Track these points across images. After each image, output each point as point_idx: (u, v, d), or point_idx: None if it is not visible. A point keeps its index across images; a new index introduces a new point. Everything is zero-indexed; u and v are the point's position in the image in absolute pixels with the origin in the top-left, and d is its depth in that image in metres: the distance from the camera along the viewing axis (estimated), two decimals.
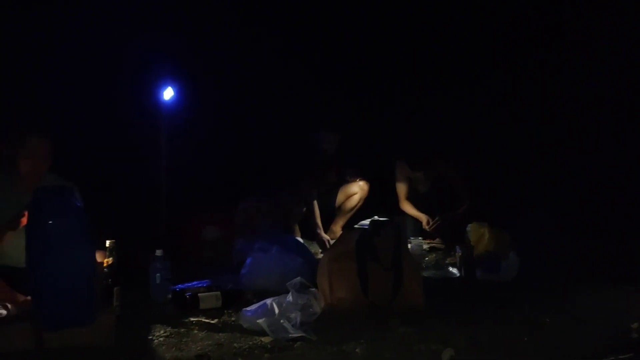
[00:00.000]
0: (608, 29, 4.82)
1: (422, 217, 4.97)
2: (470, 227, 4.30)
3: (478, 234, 4.22)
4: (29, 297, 2.70)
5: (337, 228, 5.21)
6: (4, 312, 2.72)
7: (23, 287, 2.77)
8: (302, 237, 4.86)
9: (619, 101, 4.96)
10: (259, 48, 5.13)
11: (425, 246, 4.63)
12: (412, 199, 5.19)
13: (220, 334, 2.69)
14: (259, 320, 2.66)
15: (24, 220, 2.65)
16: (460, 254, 3.96)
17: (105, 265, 2.87)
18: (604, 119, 4.95)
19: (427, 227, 4.88)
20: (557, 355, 2.34)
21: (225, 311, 3.02)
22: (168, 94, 4.45)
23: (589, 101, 4.99)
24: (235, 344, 2.54)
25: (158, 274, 3.21)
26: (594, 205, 4.69)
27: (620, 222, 4.45)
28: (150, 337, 2.64)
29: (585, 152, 4.99)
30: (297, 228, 5.10)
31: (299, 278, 2.93)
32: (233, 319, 2.91)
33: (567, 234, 4.27)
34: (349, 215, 5.25)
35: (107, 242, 2.90)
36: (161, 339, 2.62)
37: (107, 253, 2.89)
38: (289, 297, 2.80)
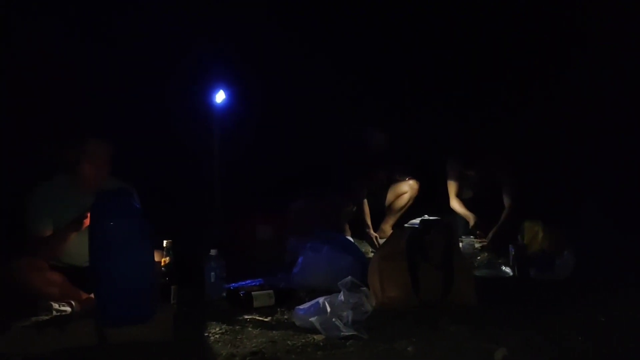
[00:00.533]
0: None
1: (470, 217, 4.92)
2: (524, 226, 4.25)
3: (532, 233, 4.16)
4: (91, 295, 2.83)
5: (387, 227, 5.21)
6: (68, 309, 2.86)
7: (86, 285, 2.89)
8: (352, 236, 4.89)
9: None
10: (308, 49, 5.18)
11: (477, 245, 4.59)
12: (461, 197, 5.15)
13: (273, 332, 2.74)
14: (312, 319, 2.71)
15: (87, 222, 2.76)
16: (513, 252, 3.91)
17: (163, 264, 2.97)
18: None
19: (474, 228, 4.83)
20: (615, 356, 2.30)
21: (278, 309, 3.08)
22: (220, 97, 4.55)
23: None
24: (288, 342, 2.59)
25: (213, 273, 3.28)
26: None
27: None
28: (207, 334, 2.71)
29: None
30: (347, 227, 5.13)
31: (350, 277, 2.96)
32: (286, 317, 2.96)
33: (623, 231, 4.15)
34: (398, 214, 5.25)
35: (165, 242, 3.00)
36: (217, 335, 2.69)
37: (165, 252, 2.99)
38: (341, 296, 2.83)
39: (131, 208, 2.48)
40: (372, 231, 4.95)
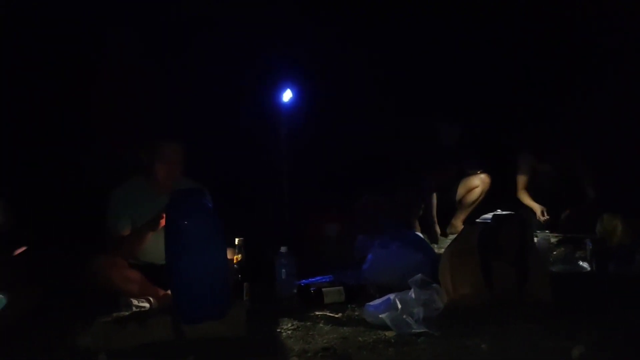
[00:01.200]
0: None
1: (537, 207, 4.80)
2: (602, 219, 4.12)
3: (611, 226, 4.04)
4: (168, 292, 2.93)
5: (458, 222, 5.15)
6: (147, 305, 2.98)
7: (163, 282, 3.00)
8: (422, 233, 4.86)
9: None
10: (374, 44, 5.16)
11: (552, 239, 4.46)
12: (535, 191, 5.02)
13: (344, 328, 2.75)
14: (382, 315, 2.70)
15: (163, 222, 2.87)
16: (591, 247, 3.79)
17: (235, 261, 3.04)
18: None
19: (540, 218, 4.71)
20: None
21: (349, 306, 3.09)
22: (287, 95, 4.61)
23: None
24: (359, 338, 2.60)
25: (283, 270, 3.33)
26: None
27: None
28: (279, 330, 2.75)
29: None
30: (417, 223, 5.09)
31: (420, 275, 2.93)
32: (356, 313, 2.97)
33: None
34: (470, 209, 5.17)
35: (237, 240, 3.07)
36: (289, 331, 2.73)
37: (237, 250, 3.06)
38: (411, 293, 2.81)
39: (204, 207, 2.55)
40: (437, 226, 4.90)
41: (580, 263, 3.85)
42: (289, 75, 4.68)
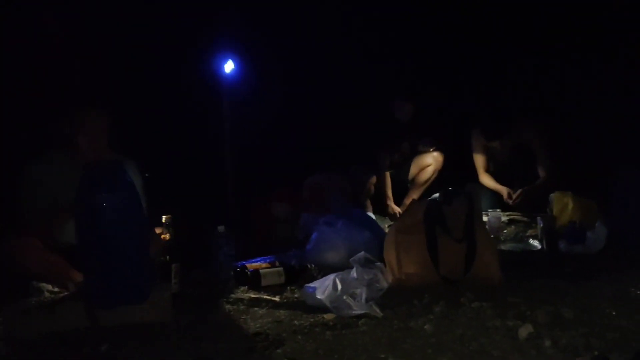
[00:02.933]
0: None
1: (503, 190, 4.68)
2: (552, 197, 4.02)
3: (561, 204, 3.95)
4: None
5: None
6: (62, 290, 2.72)
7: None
8: (373, 212, 4.70)
9: None
10: (326, 13, 4.92)
11: (504, 218, 4.35)
12: (490, 169, 4.91)
13: (281, 311, 2.58)
14: (322, 297, 2.53)
15: None
16: (542, 225, 3.68)
17: (163, 241, 2.80)
18: None
19: (508, 201, 4.59)
20: None
21: (289, 288, 2.92)
22: (229, 66, 4.35)
23: None
24: (295, 321, 2.42)
25: (220, 250, 3.12)
26: None
27: None
28: (209, 315, 2.55)
29: None
30: (369, 203, 4.94)
31: (363, 252, 2.77)
32: (296, 295, 2.80)
33: None
34: (423, 188, 5.03)
35: (164, 218, 2.83)
36: (220, 316, 2.53)
37: (164, 229, 2.82)
38: (353, 273, 2.64)
39: (121, 181, 2.31)
40: (393, 204, 4.76)
41: (531, 241, 3.76)
42: (231, 45, 4.41)
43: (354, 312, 2.43)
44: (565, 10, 4.96)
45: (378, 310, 2.44)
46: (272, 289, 2.90)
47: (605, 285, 2.65)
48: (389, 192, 4.81)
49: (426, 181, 5.01)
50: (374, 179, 5.00)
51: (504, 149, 4.82)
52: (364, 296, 2.52)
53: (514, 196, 4.58)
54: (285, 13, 4.67)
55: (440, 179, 4.99)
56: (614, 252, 3.33)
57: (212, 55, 4.32)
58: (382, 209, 4.80)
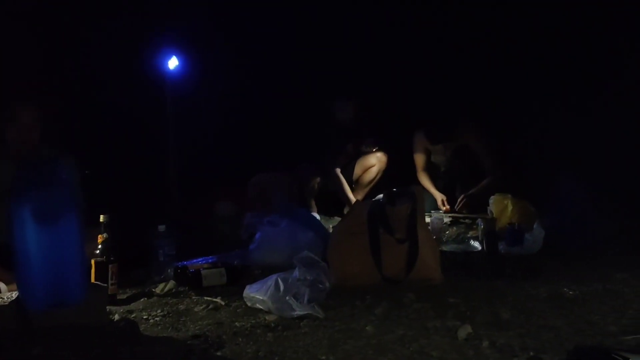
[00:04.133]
0: None
1: (437, 196, 4.74)
2: (493, 199, 4.10)
3: (501, 206, 4.02)
4: None
5: None
6: None
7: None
8: (318, 212, 4.69)
9: None
10: (272, 10, 4.86)
11: (446, 219, 4.41)
12: (431, 171, 4.97)
13: (222, 313, 2.54)
14: (263, 298, 2.50)
15: None
16: (482, 227, 3.74)
17: (99, 241, 2.72)
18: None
19: (444, 208, 4.64)
20: (587, 330, 2.13)
21: (230, 288, 2.86)
22: (173, 63, 4.25)
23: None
24: (236, 323, 2.38)
25: (160, 250, 3.07)
26: (628, 174, 4.38)
27: None
28: (146, 317, 2.49)
29: (619, 119, 4.65)
30: (313, 203, 4.92)
31: (306, 252, 2.74)
32: (238, 296, 2.74)
33: (598, 204, 4.00)
34: (367, 188, 5.04)
35: (101, 217, 2.74)
36: (157, 318, 2.47)
37: (102, 228, 2.73)
38: (296, 273, 2.62)
39: (55, 178, 2.21)
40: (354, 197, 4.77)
41: (472, 242, 3.82)
42: (174, 41, 4.30)
43: (295, 313, 2.41)
44: (505, 13, 5.04)
45: (320, 311, 2.42)
46: (214, 290, 2.84)
47: (541, 286, 2.72)
48: (348, 192, 4.80)
49: (370, 182, 5.02)
50: (318, 179, 4.99)
51: (447, 152, 4.90)
52: (306, 297, 2.50)
53: (458, 202, 4.64)
54: (231, 9, 4.59)
55: (386, 179, 5.01)
56: (551, 253, 3.42)
57: (155, 52, 4.20)
58: (327, 209, 4.78)
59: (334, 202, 4.94)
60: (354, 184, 5.11)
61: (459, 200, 4.65)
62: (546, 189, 4.16)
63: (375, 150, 5.00)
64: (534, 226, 3.63)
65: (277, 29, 4.99)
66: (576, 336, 2.08)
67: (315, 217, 3.89)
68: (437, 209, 4.51)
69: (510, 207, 3.98)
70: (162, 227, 3.10)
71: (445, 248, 3.76)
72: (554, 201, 3.91)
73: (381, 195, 3.51)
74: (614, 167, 4.36)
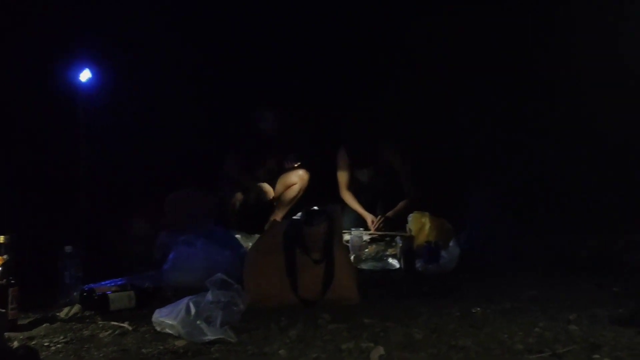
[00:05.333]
0: None
1: (367, 216, 4.77)
2: (411, 217, 4.16)
3: (419, 224, 4.09)
4: None
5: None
6: None
7: None
8: (239, 230, 4.61)
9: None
10: (187, 20, 4.74)
11: (365, 237, 4.43)
12: (354, 188, 5.00)
13: (128, 339, 2.43)
14: (173, 322, 2.41)
15: None
16: (400, 244, 3.79)
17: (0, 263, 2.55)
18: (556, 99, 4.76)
19: (371, 227, 4.68)
20: (495, 349, 2.16)
21: (140, 312, 2.75)
22: (85, 75, 4.08)
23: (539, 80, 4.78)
24: (143, 350, 2.28)
25: (66, 272, 2.93)
26: (542, 194, 4.54)
27: (567, 211, 4.31)
28: (47, 343, 2.35)
29: (534, 138, 4.82)
30: (234, 220, 4.84)
31: (219, 274, 2.66)
32: (146, 321, 2.62)
33: (513, 223, 4.13)
34: (289, 206, 5.00)
35: (1, 237, 2.58)
36: (59, 345, 2.34)
37: (2, 250, 2.57)
38: (209, 296, 2.54)
39: None
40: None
41: (390, 260, 3.85)
42: (87, 53, 4.13)
43: (207, 337, 2.33)
44: (419, 34, 5.13)
45: (233, 335, 2.35)
46: (122, 314, 2.73)
47: (454, 304, 2.75)
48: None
49: (291, 200, 4.99)
50: (240, 195, 4.92)
51: (368, 170, 4.94)
52: (219, 320, 2.42)
53: (376, 223, 4.68)
54: (147, 22, 4.46)
55: (308, 197, 4.98)
56: (465, 271, 3.49)
57: (66, 64, 4.02)
58: (248, 226, 4.69)
59: (255, 219, 4.88)
60: (276, 201, 5.06)
61: (377, 221, 4.69)
62: (462, 207, 4.26)
63: (297, 167, 4.97)
64: (450, 244, 3.71)
65: (198, 36, 4.88)
66: (485, 356, 2.10)
67: (233, 236, 3.81)
68: (357, 227, 4.53)
69: (427, 225, 4.05)
70: (68, 248, 2.96)
71: (364, 266, 3.79)
72: (469, 219, 4.00)
73: (299, 215, 3.50)
74: (528, 186, 4.53)
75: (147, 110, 4.63)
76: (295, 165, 4.95)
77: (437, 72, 5.04)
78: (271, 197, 4.96)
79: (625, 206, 3.99)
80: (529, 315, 2.53)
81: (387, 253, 4.08)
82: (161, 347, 2.29)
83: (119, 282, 3.04)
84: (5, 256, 2.56)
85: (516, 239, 3.94)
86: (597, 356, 2.03)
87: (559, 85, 4.51)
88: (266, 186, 4.92)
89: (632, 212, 3.89)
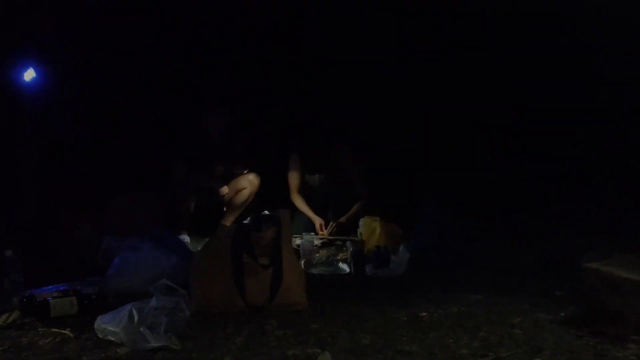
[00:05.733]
0: None
1: (315, 220, 4.76)
2: (362, 222, 4.17)
3: (370, 229, 4.09)
4: None
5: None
6: None
7: None
8: (192, 234, 4.55)
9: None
10: (137, 20, 4.64)
11: (316, 241, 4.42)
12: (305, 192, 4.98)
13: (70, 346, 2.37)
14: (115, 329, 2.36)
15: None
16: (351, 249, 3.78)
17: None
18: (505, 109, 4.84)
19: (320, 232, 4.67)
20: (440, 354, 2.18)
21: (82, 319, 2.67)
22: (29, 75, 3.95)
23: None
24: (84, 357, 2.23)
25: (6, 277, 2.84)
26: (491, 199, 4.61)
27: (515, 217, 4.39)
28: None
29: (485, 142, 4.90)
30: (186, 225, 4.75)
31: (164, 280, 2.63)
32: (89, 328, 2.55)
33: (462, 228, 4.18)
34: (239, 211, 4.95)
35: None
36: None
37: None
38: (153, 302, 2.49)
39: None
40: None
41: (340, 265, 3.84)
42: (32, 52, 4.01)
43: (150, 344, 2.28)
44: (371, 37, 5.15)
45: (177, 342, 2.31)
46: (63, 321, 2.64)
47: (402, 309, 2.76)
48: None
49: (241, 205, 4.93)
50: (194, 199, 4.85)
51: (319, 175, 4.93)
52: (163, 327, 2.38)
53: (328, 228, 4.68)
54: (93, 22, 4.35)
55: (260, 202, 4.94)
56: (414, 275, 3.51)
57: (10, 63, 3.89)
58: (202, 231, 4.62)
59: (209, 222, 4.81)
60: (226, 206, 5.00)
61: (330, 226, 4.68)
62: (412, 212, 4.29)
63: (247, 172, 4.93)
64: (400, 248, 3.73)
65: (146, 36, 4.79)
66: None
67: (180, 241, 3.75)
68: (308, 231, 4.52)
69: (378, 230, 4.06)
70: (8, 252, 2.87)
71: (314, 271, 3.76)
72: (419, 224, 4.03)
73: (248, 219, 3.47)
74: (478, 191, 4.60)
75: (93, 111, 4.51)
76: (245, 172, 4.91)
77: (389, 75, 5.08)
78: (227, 200, 4.91)
79: (572, 211, 4.08)
80: (475, 320, 2.56)
81: (338, 257, 4.07)
82: (103, 355, 2.24)
83: (61, 288, 2.93)
84: None
85: (464, 244, 3.99)
86: None
87: (507, 89, 4.60)
88: (224, 189, 4.86)
89: (579, 217, 3.98)
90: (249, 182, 4.92)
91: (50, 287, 2.98)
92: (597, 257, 2.82)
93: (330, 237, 4.57)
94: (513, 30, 4.43)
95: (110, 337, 2.37)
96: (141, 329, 2.33)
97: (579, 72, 4.23)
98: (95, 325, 2.44)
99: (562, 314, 2.56)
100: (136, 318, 2.37)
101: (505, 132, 4.74)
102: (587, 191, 4.17)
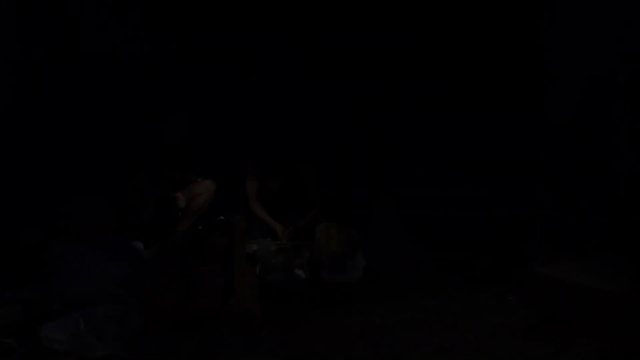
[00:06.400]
0: None
1: (276, 227, 4.72)
2: (319, 227, 4.14)
3: (327, 235, 4.06)
4: None
5: None
6: None
7: None
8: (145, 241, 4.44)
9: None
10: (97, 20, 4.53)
11: (273, 247, 4.37)
12: (263, 199, 4.94)
13: (14, 356, 2.28)
14: (62, 337, 2.28)
15: None
16: (307, 255, 3.76)
17: None
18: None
19: (282, 238, 4.63)
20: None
21: (26, 327, 2.57)
22: None
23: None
24: None
25: None
26: (445, 207, 4.64)
27: (469, 223, 4.43)
28: None
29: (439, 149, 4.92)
30: (141, 230, 4.64)
31: (113, 286, 2.56)
32: (33, 336, 2.46)
33: (416, 235, 4.22)
34: (193, 217, 4.86)
35: None
36: None
37: None
38: (101, 309, 2.42)
39: None
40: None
41: (297, 271, 3.80)
42: None
43: (97, 353, 2.22)
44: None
45: (124, 351, 2.25)
46: (6, 329, 2.54)
47: (356, 315, 2.77)
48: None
49: (197, 211, 4.83)
50: (152, 205, 4.74)
51: (277, 182, 4.90)
52: (110, 335, 2.31)
53: (286, 234, 4.65)
54: (49, 20, 4.23)
55: (216, 208, 4.87)
56: (370, 282, 3.51)
57: None
58: (157, 237, 4.51)
59: (166, 229, 4.72)
60: (182, 212, 4.92)
61: (287, 231, 4.65)
62: (368, 218, 4.31)
63: (203, 179, 4.86)
64: (357, 255, 3.72)
65: (112, 37, 4.67)
66: None
67: (132, 247, 3.64)
68: (266, 237, 4.47)
69: (335, 236, 4.04)
70: None
71: (270, 277, 3.72)
72: (374, 231, 4.04)
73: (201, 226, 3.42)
74: (432, 198, 4.63)
75: (46, 113, 4.36)
76: (199, 180, 4.84)
77: (343, 81, 5.08)
78: (183, 207, 4.82)
79: (526, 218, 4.14)
80: (428, 326, 2.57)
81: (294, 263, 4.03)
82: None
83: (6, 296, 2.82)
84: None
85: (418, 250, 4.02)
86: None
87: (460, 96, 4.65)
88: (179, 195, 4.77)
89: (531, 223, 4.04)
90: (205, 188, 4.83)
91: None
92: (548, 263, 2.88)
93: (287, 243, 4.54)
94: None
95: (56, 346, 2.30)
96: (88, 337, 2.27)
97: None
98: (41, 334, 2.36)
99: (514, 318, 2.59)
100: (83, 326, 2.31)
101: (453, 139, 4.76)
102: (539, 198, 4.24)
